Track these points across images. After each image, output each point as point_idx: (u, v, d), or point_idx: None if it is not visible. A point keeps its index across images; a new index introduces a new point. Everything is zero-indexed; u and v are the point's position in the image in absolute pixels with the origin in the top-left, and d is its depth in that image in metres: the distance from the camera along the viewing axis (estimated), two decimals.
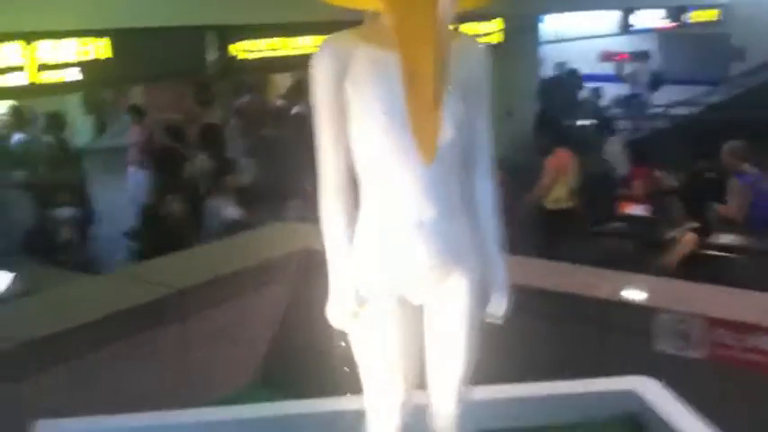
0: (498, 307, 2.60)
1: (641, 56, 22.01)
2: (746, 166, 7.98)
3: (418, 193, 2.40)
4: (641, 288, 4.42)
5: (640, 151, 10.19)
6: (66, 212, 8.94)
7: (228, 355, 4.55)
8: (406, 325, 2.52)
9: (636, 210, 8.73)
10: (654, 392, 3.73)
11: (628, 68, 21.83)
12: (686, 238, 7.42)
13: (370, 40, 2.42)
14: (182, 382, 4.27)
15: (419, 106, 2.36)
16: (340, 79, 2.40)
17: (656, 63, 22.63)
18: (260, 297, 4.76)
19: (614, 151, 11.62)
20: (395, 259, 2.45)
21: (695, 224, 7.55)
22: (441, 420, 2.64)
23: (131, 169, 10.61)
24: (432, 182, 2.41)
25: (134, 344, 4.03)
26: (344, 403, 3.41)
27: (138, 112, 11.66)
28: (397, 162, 2.40)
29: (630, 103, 19.08)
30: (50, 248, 8.47)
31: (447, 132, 2.40)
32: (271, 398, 4.05)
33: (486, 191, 2.61)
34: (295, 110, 11.85)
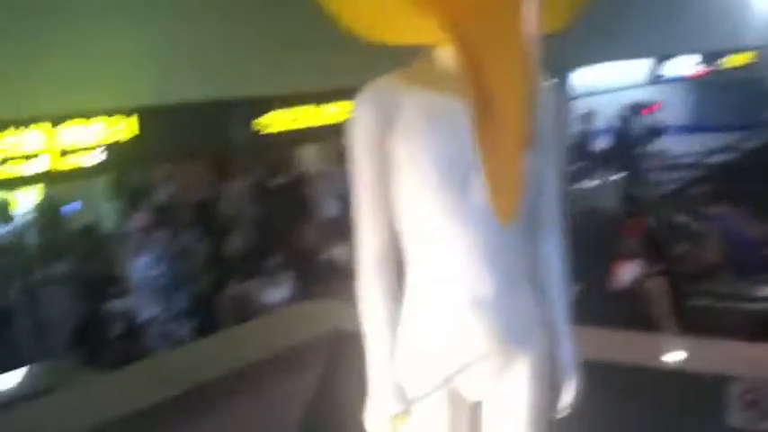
0: (566, 399, 2.24)
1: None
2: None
3: (479, 263, 2.03)
4: (707, 353, 4.03)
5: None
6: (116, 305, 8.37)
7: None
8: (460, 428, 2.17)
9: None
10: None
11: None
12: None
13: (425, 82, 2.04)
14: None
15: (498, 157, 1.93)
16: (384, 132, 2.02)
17: (673, 112, 21.98)
18: (281, 389, 4.43)
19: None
20: (448, 345, 2.08)
21: None
22: None
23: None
24: (497, 249, 2.05)
25: None
26: None
27: (135, 194, 10.97)
28: (458, 226, 2.03)
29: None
30: (102, 344, 8.03)
31: (526, 189, 2.02)
32: None
33: (555, 256, 2.24)
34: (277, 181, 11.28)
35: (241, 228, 9.40)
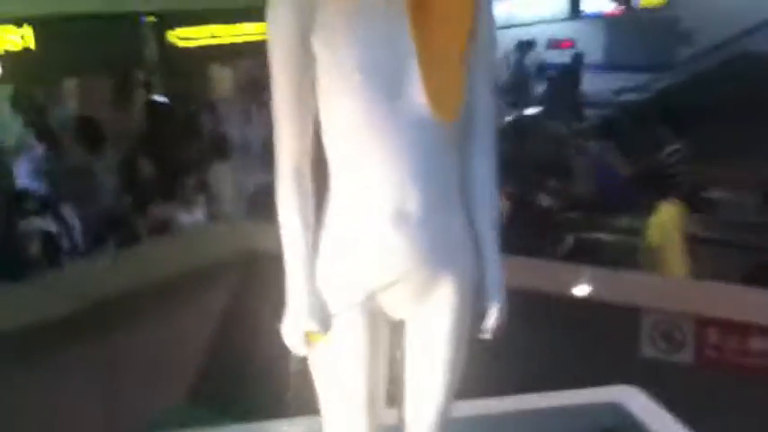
0: (491, 320, 2.12)
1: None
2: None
3: (404, 177, 1.90)
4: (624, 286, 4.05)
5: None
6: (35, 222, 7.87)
7: (157, 371, 4.07)
8: (379, 346, 2.05)
9: None
10: (638, 403, 3.39)
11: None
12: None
13: None
14: (104, 402, 3.79)
15: (436, 50, 1.85)
16: (305, 32, 1.86)
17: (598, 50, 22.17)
18: (194, 307, 4.29)
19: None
20: (370, 262, 1.95)
21: None
22: None
23: None
24: (425, 164, 1.92)
25: (48, 361, 3.54)
26: (293, 427, 2.99)
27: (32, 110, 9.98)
28: (384, 136, 1.89)
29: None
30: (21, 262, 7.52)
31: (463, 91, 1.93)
32: (203, 421, 3.59)
33: (486, 172, 2.10)
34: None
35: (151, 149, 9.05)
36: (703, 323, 3.57)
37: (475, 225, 2.08)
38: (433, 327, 2.06)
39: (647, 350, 3.67)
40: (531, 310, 3.74)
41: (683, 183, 7.43)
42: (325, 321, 1.96)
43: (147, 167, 7.97)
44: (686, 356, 3.60)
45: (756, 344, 3.47)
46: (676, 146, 7.62)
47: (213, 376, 4.37)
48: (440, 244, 1.98)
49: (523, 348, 3.76)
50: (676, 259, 5.50)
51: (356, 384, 2.03)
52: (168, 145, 8.29)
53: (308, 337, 1.96)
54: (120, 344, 3.85)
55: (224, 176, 7.52)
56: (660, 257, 5.44)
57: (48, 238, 6.97)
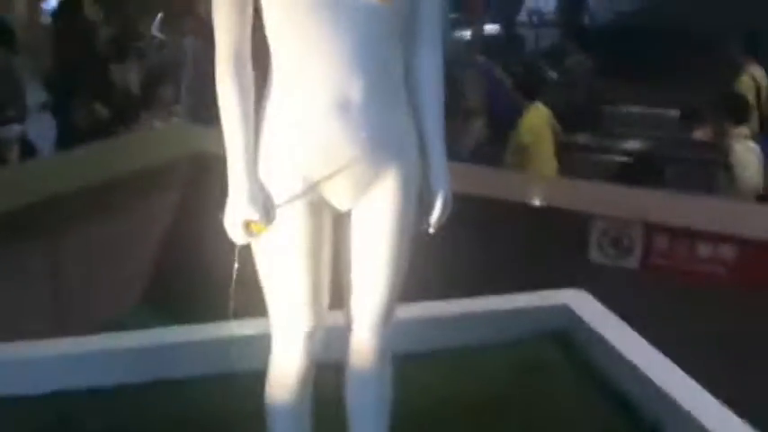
0: (436, 213, 2.11)
1: None
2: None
3: (347, 63, 1.86)
4: (574, 192, 4.08)
5: None
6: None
7: (107, 273, 4.01)
8: (322, 238, 2.03)
9: None
10: (585, 306, 3.45)
11: None
12: None
13: None
14: (52, 306, 3.73)
15: None
16: None
17: None
18: (145, 206, 4.21)
19: None
20: (311, 152, 1.92)
21: None
22: (359, 346, 2.17)
23: None
24: (368, 50, 1.88)
25: None
26: (243, 328, 2.98)
27: None
28: (325, 18, 1.84)
29: None
30: None
31: None
32: (155, 322, 3.56)
33: (432, 67, 2.08)
34: None
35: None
36: (651, 229, 3.62)
37: (419, 120, 2.07)
38: (376, 218, 2.04)
39: (595, 255, 3.71)
40: (480, 216, 3.79)
41: (582, 93, 8.00)
42: (266, 210, 1.92)
43: None
44: (633, 262, 3.65)
45: (703, 250, 3.53)
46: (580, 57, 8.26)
47: (163, 277, 4.32)
48: (382, 134, 1.95)
49: (471, 255, 3.80)
50: (546, 159, 5.78)
51: (298, 277, 2.00)
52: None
53: (250, 228, 1.92)
54: (70, 242, 3.77)
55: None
56: (529, 156, 5.67)
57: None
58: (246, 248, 1.99)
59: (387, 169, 1.99)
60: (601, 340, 3.22)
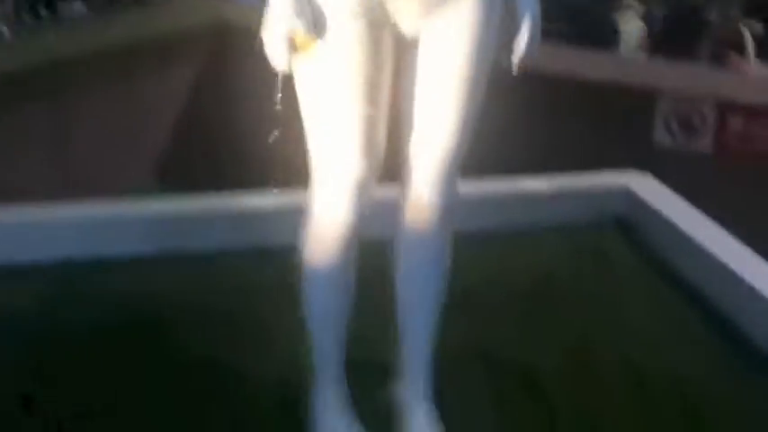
0: (522, 43, 1.73)
1: None
2: None
3: None
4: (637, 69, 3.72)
5: None
6: None
7: (120, 145, 3.74)
8: (380, 63, 1.67)
9: None
10: (650, 189, 3.16)
11: None
12: None
13: None
14: (60, 176, 3.48)
15: None
16: None
17: None
18: (160, 79, 3.91)
19: None
20: None
21: None
22: (418, 202, 1.80)
23: None
24: None
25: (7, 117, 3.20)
26: (269, 199, 2.74)
27: None
28: None
29: None
30: None
31: None
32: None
33: None
34: None
35: None
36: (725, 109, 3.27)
37: None
38: (448, 42, 1.69)
39: (662, 137, 3.38)
40: (536, 93, 3.45)
41: None
42: (316, 21, 1.59)
43: None
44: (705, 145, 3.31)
45: None
46: None
47: (182, 152, 4.06)
48: None
49: (528, 133, 3.48)
50: None
51: (351, 111, 1.67)
52: None
53: (295, 43, 1.58)
54: (82, 107, 3.50)
55: None
56: None
57: None
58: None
59: None
60: (666, 225, 2.94)
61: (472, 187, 2.80)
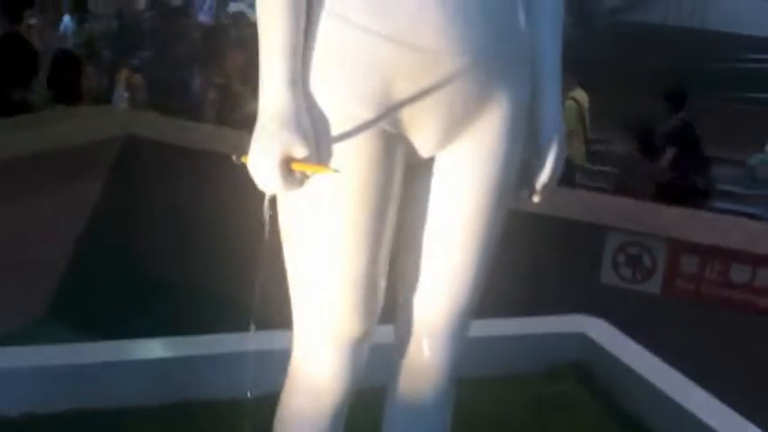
0: (548, 169, 1.52)
1: None
2: None
3: None
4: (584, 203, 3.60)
5: None
6: None
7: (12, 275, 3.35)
8: (390, 193, 1.40)
9: None
10: (604, 334, 2.99)
11: None
12: None
13: None
14: None
15: None
16: None
17: None
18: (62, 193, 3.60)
19: None
20: (401, 57, 1.30)
21: None
22: (420, 359, 1.54)
23: None
24: None
25: None
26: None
27: None
28: None
29: None
30: None
31: None
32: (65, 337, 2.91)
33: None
34: None
35: None
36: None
37: (535, 49, 1.50)
38: (470, 170, 1.45)
39: (609, 277, 3.25)
40: None
41: None
42: (317, 140, 1.31)
43: None
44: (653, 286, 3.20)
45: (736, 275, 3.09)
46: None
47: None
48: (499, 46, 1.38)
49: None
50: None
51: (356, 252, 1.40)
52: None
53: (291, 168, 1.29)
54: None
55: None
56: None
57: None
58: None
59: (496, 98, 1.41)
60: (621, 370, 2.79)
61: None
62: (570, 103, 6.65)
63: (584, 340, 2.95)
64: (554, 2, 1.54)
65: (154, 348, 2.57)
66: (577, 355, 2.94)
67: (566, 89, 6.55)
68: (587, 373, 2.89)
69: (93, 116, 4.40)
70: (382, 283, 1.48)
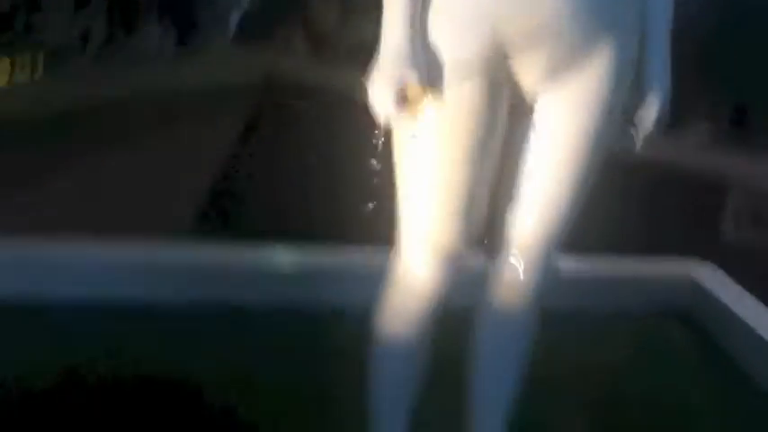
0: (648, 119, 1.64)
1: None
2: None
3: None
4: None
5: None
6: None
7: (164, 188, 3.69)
8: (494, 125, 1.56)
9: None
10: (713, 279, 3.03)
11: None
12: None
13: None
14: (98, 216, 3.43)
15: None
16: None
17: None
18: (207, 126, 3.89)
19: None
20: (500, 4, 1.46)
21: None
22: (513, 277, 1.69)
23: None
24: None
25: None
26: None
27: None
28: None
29: None
30: None
31: None
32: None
33: None
34: None
35: None
36: None
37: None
38: (572, 112, 1.58)
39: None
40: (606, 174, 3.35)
41: None
42: (430, 70, 1.47)
43: None
44: None
45: None
46: None
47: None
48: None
49: (594, 214, 3.39)
50: None
51: (458, 174, 1.56)
52: None
53: (405, 95, 1.46)
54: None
55: None
56: None
57: None
58: None
59: (599, 44, 1.52)
60: (727, 317, 2.83)
61: None
62: None
63: (695, 286, 3.01)
64: None
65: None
66: (687, 302, 2.99)
67: None
68: (692, 319, 2.95)
69: None
70: (482, 205, 1.64)
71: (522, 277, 1.70)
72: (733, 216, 3.26)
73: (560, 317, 2.68)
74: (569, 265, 2.94)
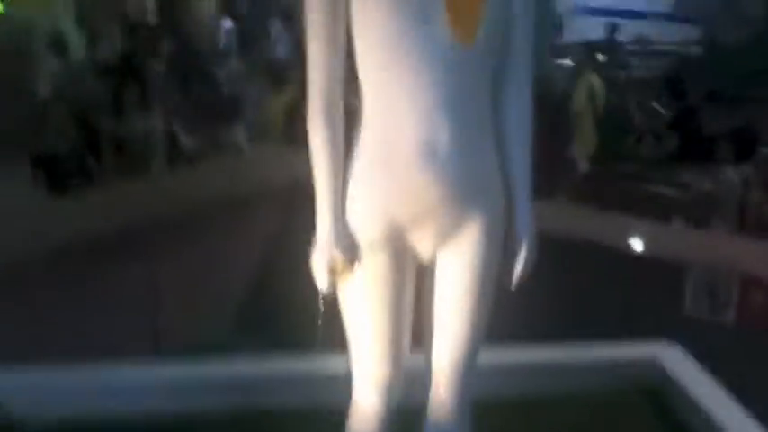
0: (520, 263, 2.05)
1: None
2: None
3: (433, 105, 1.84)
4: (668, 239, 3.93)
5: None
6: None
7: (197, 298, 4.07)
8: (403, 285, 2.01)
9: None
10: (676, 360, 3.30)
11: None
12: None
13: None
14: (143, 328, 3.80)
15: None
16: None
17: None
18: (237, 234, 4.26)
19: None
20: (397, 195, 1.90)
21: None
22: (438, 392, 2.12)
23: None
24: (455, 93, 1.86)
25: (88, 282, 3.55)
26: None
27: None
28: (412, 60, 1.83)
29: None
30: None
31: (489, 12, 1.86)
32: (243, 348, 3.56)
33: (520, 110, 2.03)
34: None
35: None
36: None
37: (506, 166, 2.02)
38: (460, 267, 2.01)
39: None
40: (567, 258, 3.66)
41: None
42: (350, 250, 1.92)
43: None
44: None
45: None
46: None
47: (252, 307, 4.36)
48: (469, 180, 1.91)
49: (554, 299, 3.69)
50: None
51: (378, 325, 2.01)
52: None
53: (334, 268, 1.93)
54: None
55: None
56: None
57: None
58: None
59: (472, 216, 1.96)
60: (691, 399, 3.08)
61: (498, 355, 3.00)
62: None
63: (656, 366, 3.27)
64: (520, 117, 2.03)
65: None
66: (649, 380, 3.25)
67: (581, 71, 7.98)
68: (657, 398, 3.19)
69: None
70: (405, 340, 2.07)
71: (445, 395, 2.11)
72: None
73: (523, 402, 3.05)
74: (533, 352, 3.28)
